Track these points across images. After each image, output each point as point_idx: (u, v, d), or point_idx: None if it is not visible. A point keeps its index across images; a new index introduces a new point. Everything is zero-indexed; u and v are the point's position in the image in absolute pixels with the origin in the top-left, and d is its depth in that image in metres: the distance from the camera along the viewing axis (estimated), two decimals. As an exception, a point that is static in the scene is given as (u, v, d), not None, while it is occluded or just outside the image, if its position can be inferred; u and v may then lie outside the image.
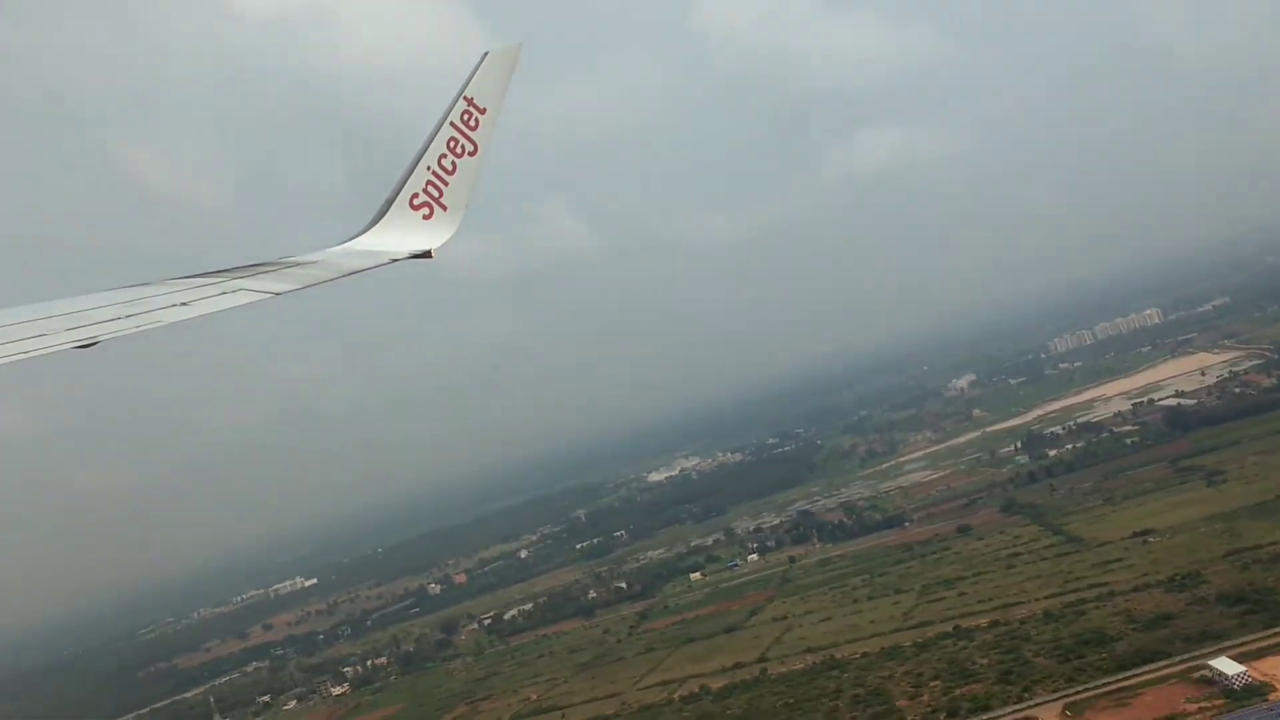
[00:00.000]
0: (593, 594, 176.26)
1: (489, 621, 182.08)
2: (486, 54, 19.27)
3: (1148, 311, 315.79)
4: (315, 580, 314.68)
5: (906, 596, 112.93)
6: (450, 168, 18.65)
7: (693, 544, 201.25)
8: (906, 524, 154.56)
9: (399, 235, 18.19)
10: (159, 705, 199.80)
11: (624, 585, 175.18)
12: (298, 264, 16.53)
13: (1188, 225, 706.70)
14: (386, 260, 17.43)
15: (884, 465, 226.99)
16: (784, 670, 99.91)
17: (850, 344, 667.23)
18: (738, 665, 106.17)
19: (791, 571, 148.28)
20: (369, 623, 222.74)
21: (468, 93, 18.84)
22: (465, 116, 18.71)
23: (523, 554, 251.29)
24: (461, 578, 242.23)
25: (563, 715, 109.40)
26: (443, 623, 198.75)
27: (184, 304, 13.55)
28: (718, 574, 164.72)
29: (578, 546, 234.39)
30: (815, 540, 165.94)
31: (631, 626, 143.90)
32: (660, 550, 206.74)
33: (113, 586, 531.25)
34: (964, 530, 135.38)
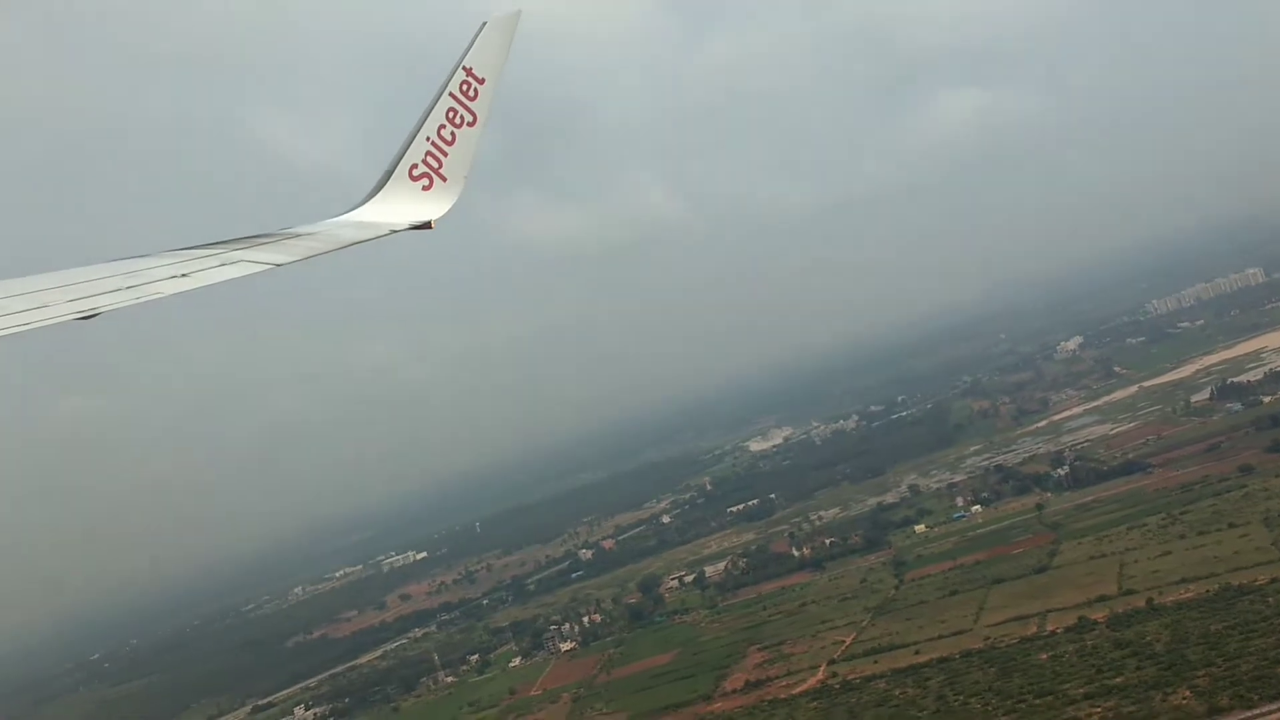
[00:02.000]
0: (805, 550, 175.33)
1: (690, 579, 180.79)
2: (485, 23, 18.94)
3: (1250, 271, 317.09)
4: (425, 554, 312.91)
5: (1249, 529, 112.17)
6: (450, 138, 18.63)
7: (871, 501, 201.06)
8: (1150, 469, 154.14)
9: (399, 206, 18.21)
10: (336, 670, 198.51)
11: (837, 540, 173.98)
12: (297, 235, 16.53)
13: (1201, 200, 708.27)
14: (386, 231, 17.46)
15: (1040, 423, 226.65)
16: (1172, 600, 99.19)
17: (884, 322, 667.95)
18: (1101, 598, 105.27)
19: (1046, 517, 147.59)
20: (530, 587, 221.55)
21: (466, 62, 18.70)
22: (464, 87, 18.66)
23: (665, 519, 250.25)
24: (610, 543, 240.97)
25: (916, 650, 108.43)
26: (618, 583, 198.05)
27: (184, 275, 13.50)
28: (945, 525, 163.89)
29: (730, 510, 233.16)
30: (1038, 490, 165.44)
31: (895, 574, 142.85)
32: (835, 509, 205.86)
33: (158, 574, 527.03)
34: (1245, 469, 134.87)
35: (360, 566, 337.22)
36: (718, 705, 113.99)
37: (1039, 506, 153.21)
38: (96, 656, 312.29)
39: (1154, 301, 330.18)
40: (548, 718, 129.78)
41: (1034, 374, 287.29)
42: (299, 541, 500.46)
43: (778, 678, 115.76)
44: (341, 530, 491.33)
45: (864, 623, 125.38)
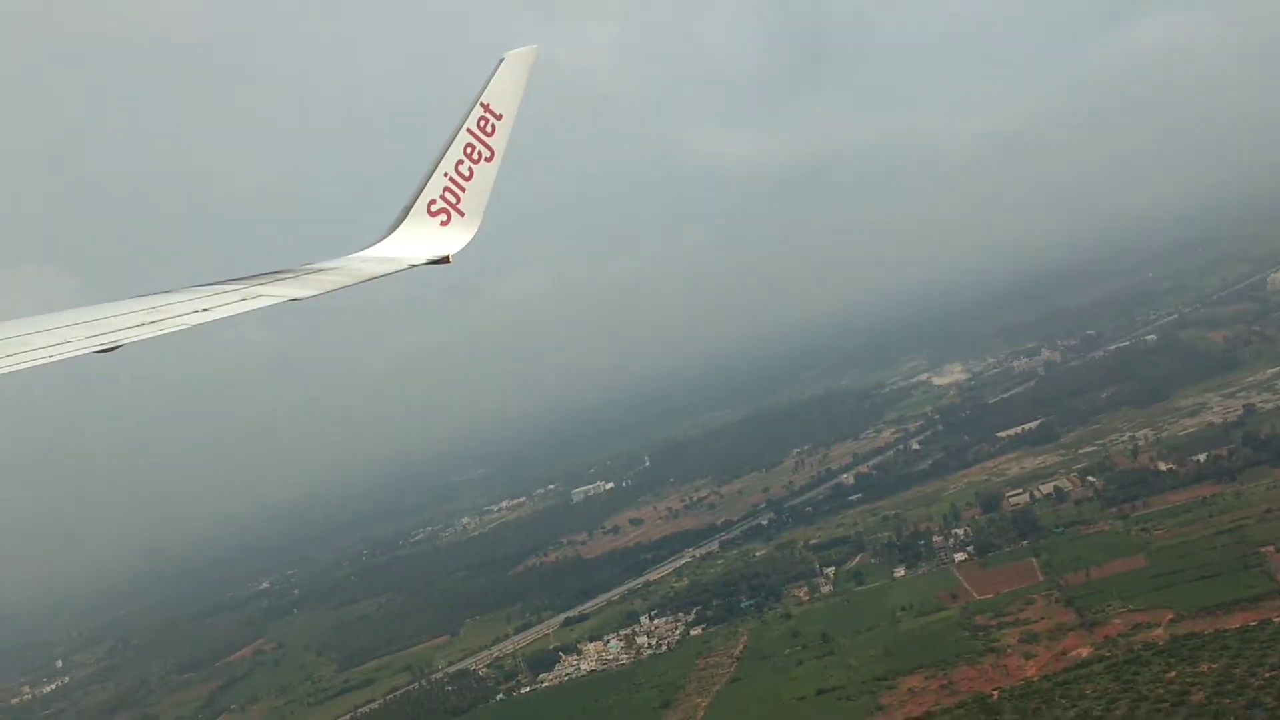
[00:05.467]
0: (1181, 464, 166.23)
1: (1040, 495, 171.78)
2: (503, 59, 18.88)
3: None
4: (611, 484, 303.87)
5: None
6: (467, 174, 18.60)
7: (1188, 422, 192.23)
8: None
9: (417, 241, 18.28)
10: (633, 585, 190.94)
11: (1219, 454, 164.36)
12: (318, 270, 16.90)
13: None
14: (405, 266, 17.60)
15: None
16: None
17: (975, 266, 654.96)
18: None
19: None
20: (808, 510, 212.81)
21: (484, 98, 18.61)
22: (482, 122, 18.61)
23: (914, 445, 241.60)
24: (865, 468, 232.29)
25: None
26: (917, 504, 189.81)
27: (205, 310, 13.91)
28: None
29: (999, 435, 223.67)
30: None
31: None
32: (1145, 430, 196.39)
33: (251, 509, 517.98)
34: None
35: (523, 499, 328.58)
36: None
37: None
38: (266, 585, 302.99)
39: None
40: (1039, 614, 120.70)
41: (1257, 305, 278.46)
42: (397, 477, 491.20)
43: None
44: (438, 470, 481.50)
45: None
